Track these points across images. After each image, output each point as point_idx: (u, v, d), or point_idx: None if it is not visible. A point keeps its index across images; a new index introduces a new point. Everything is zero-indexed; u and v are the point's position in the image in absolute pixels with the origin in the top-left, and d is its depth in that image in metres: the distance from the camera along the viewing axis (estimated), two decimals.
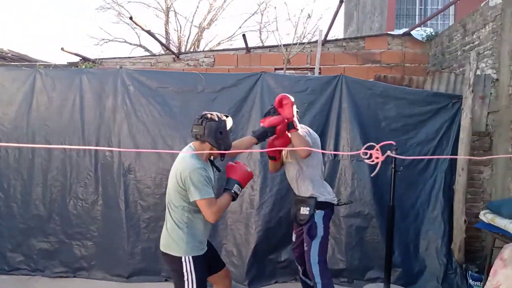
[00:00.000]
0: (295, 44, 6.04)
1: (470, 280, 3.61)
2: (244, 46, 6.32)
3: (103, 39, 13.96)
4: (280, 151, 2.81)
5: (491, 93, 4.08)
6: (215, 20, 14.58)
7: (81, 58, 6.40)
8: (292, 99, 2.65)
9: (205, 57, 6.52)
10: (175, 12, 14.25)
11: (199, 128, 2.28)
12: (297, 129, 2.65)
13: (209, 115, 2.31)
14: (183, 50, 13.18)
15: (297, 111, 2.79)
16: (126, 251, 3.75)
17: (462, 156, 3.67)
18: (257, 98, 3.94)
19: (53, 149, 3.88)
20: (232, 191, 2.37)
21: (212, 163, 2.44)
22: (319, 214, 2.76)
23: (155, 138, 3.88)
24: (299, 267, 3.02)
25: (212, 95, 3.96)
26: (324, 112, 3.93)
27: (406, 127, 3.96)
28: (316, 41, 6.36)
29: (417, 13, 9.37)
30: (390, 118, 3.94)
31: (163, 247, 2.32)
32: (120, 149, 3.83)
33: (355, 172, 3.81)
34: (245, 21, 22.27)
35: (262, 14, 13.92)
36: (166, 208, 2.35)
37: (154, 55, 6.84)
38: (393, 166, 3.35)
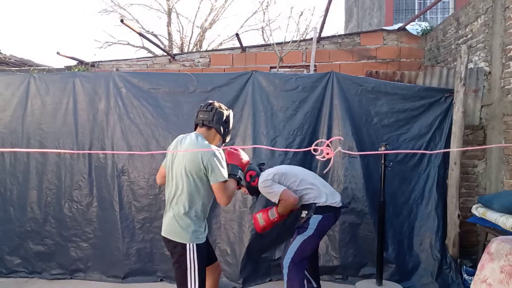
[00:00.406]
0: (288, 42, 6.03)
1: (465, 275, 3.60)
2: (239, 45, 6.33)
3: (106, 42, 14.06)
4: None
5: (484, 86, 4.05)
6: (217, 20, 14.60)
7: (78, 62, 6.46)
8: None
9: (200, 57, 6.54)
10: (177, 13, 14.30)
11: (208, 115, 2.36)
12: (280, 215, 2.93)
13: (216, 104, 2.41)
14: (185, 51, 13.21)
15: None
16: (121, 252, 3.78)
17: (450, 149, 3.65)
18: (248, 97, 3.96)
19: (48, 152, 3.93)
20: (237, 176, 2.41)
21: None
22: (315, 218, 2.83)
23: (148, 139, 3.91)
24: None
25: (203, 95, 3.98)
26: (315, 110, 3.93)
27: (398, 122, 3.94)
28: (311, 39, 6.35)
29: (416, 8, 9.32)
30: (382, 114, 3.94)
31: (168, 234, 2.32)
32: (114, 151, 3.87)
33: (348, 169, 3.81)
34: (247, 20, 22.26)
35: (264, 13, 13.92)
36: (173, 195, 2.33)
37: (150, 57, 6.86)
38: (382, 162, 3.34)
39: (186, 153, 2.30)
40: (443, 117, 3.92)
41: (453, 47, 4.94)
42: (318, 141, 1.36)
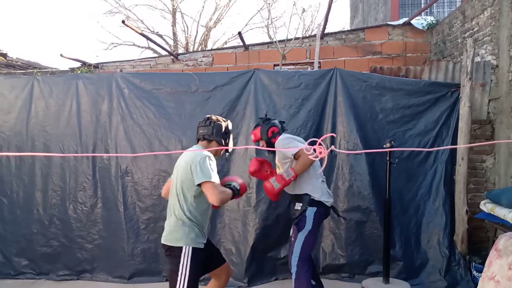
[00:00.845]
0: (291, 39, 5.98)
1: (474, 272, 3.53)
2: (242, 44, 6.30)
3: (112, 43, 14.11)
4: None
5: (491, 80, 3.97)
6: (222, 19, 14.57)
7: (81, 63, 6.49)
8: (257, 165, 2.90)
9: (203, 56, 6.53)
10: (182, 13, 14.29)
11: (207, 129, 2.49)
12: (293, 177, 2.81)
13: (214, 117, 2.55)
14: (191, 50, 13.21)
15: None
16: (127, 252, 3.78)
17: (457, 146, 3.58)
18: (251, 95, 3.93)
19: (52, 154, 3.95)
20: (232, 185, 2.51)
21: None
22: (311, 210, 2.81)
23: (151, 140, 3.91)
24: None
25: (205, 94, 3.96)
26: (319, 107, 3.89)
27: (403, 118, 3.88)
28: (314, 35, 6.29)
29: (422, 2, 9.20)
30: (387, 110, 3.88)
31: (167, 241, 2.38)
32: (118, 154, 3.87)
33: (353, 166, 3.76)
34: (251, 18, 22.22)
35: (269, 10, 13.85)
36: (173, 203, 2.41)
37: (154, 57, 6.87)
38: (388, 159, 3.29)
39: (182, 164, 2.39)
40: (450, 112, 3.85)
41: (459, 41, 4.85)
42: (310, 140, 1.32)
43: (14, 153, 4.00)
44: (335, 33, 6.46)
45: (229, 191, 2.44)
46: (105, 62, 6.68)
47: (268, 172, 2.90)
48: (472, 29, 4.44)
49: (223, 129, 2.51)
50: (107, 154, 3.92)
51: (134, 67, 6.54)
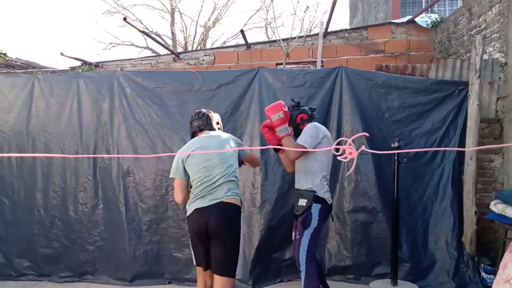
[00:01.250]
0: (294, 38, 5.91)
1: (483, 273, 3.47)
2: (244, 42, 6.23)
3: (111, 43, 14.03)
4: (279, 142, 2.79)
5: (499, 78, 3.91)
6: (220, 18, 14.50)
7: (82, 63, 6.41)
8: (279, 105, 2.71)
9: (205, 55, 6.46)
10: (180, 13, 14.22)
11: (201, 120, 2.76)
12: (286, 135, 2.71)
13: (204, 110, 2.83)
14: (190, 50, 13.13)
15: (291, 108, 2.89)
16: (128, 254, 3.71)
17: (465, 149, 3.52)
18: (255, 94, 3.86)
19: (53, 155, 3.88)
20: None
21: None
22: (316, 207, 2.76)
23: (154, 139, 3.84)
24: None
25: (209, 93, 3.90)
26: (324, 106, 3.82)
27: (410, 117, 3.82)
28: (317, 34, 6.22)
29: (423, 0, 9.14)
30: (393, 109, 3.81)
31: (234, 200, 2.55)
32: (119, 155, 3.80)
33: (359, 166, 3.69)
34: (250, 18, 22.14)
35: (267, 10, 13.79)
36: (228, 171, 2.56)
37: (155, 56, 6.80)
38: (396, 159, 3.23)
39: (219, 138, 2.70)
40: (457, 111, 3.79)
41: (465, 38, 4.79)
42: (339, 139, 1.25)
43: (13, 154, 3.93)
44: (338, 31, 6.40)
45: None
46: (106, 61, 6.61)
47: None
48: (479, 26, 4.38)
49: (216, 118, 2.77)
50: (108, 155, 3.84)
51: (134, 66, 6.47)
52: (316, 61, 6.13)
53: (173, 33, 14.26)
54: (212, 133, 2.70)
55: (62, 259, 3.86)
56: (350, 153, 1.12)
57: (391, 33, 6.21)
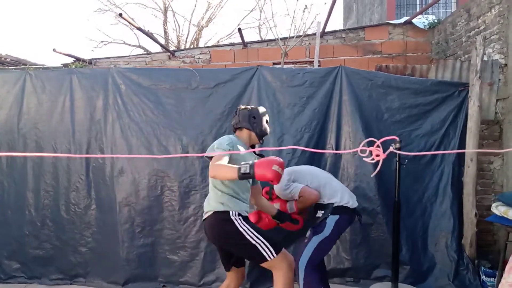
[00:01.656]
0: (292, 37, 5.85)
1: (483, 276, 3.44)
2: (240, 41, 6.15)
3: (102, 41, 13.83)
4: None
5: (499, 80, 3.89)
6: (214, 18, 14.40)
7: (74, 59, 6.27)
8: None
9: (201, 53, 6.36)
10: (173, 12, 14.09)
11: (235, 119, 2.63)
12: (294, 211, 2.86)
13: (242, 106, 2.70)
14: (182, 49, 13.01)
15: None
16: (121, 256, 3.60)
17: (467, 150, 3.49)
18: (254, 93, 3.78)
19: (44, 152, 3.76)
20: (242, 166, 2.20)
21: (256, 153, 2.62)
22: (332, 218, 2.72)
23: (149, 138, 3.73)
24: None
25: (207, 91, 3.81)
26: (324, 106, 3.76)
27: (410, 118, 3.78)
28: (314, 34, 6.18)
29: (417, 3, 9.16)
30: (393, 109, 3.77)
31: (210, 213, 2.49)
32: (113, 155, 3.69)
33: (358, 167, 3.64)
34: (244, 18, 22.07)
35: (260, 11, 13.72)
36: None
37: (149, 53, 6.68)
38: (397, 160, 3.18)
39: None
40: (457, 112, 3.76)
41: (463, 39, 4.78)
42: (367, 140, 1.18)
43: (3, 154, 3.79)
44: (335, 31, 6.36)
45: (230, 166, 2.22)
46: (99, 58, 6.47)
47: (267, 219, 2.85)
48: (478, 28, 4.36)
49: (248, 114, 2.60)
50: (102, 155, 3.72)
51: (128, 63, 6.34)
52: (313, 61, 6.08)
53: (165, 32, 14.12)
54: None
55: (53, 261, 3.74)
56: (377, 155, 1.05)
57: (388, 34, 6.19)
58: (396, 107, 3.77)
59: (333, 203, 2.71)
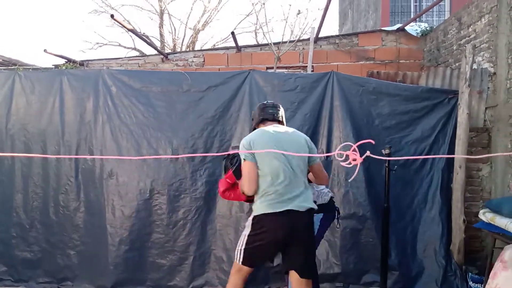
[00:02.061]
0: (285, 42, 5.88)
1: (470, 282, 3.46)
2: (234, 45, 6.16)
3: (97, 43, 13.80)
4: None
5: (488, 88, 3.94)
6: (210, 22, 14.44)
7: (66, 60, 6.23)
8: None
9: (194, 57, 6.36)
10: (169, 15, 14.11)
11: (277, 110, 2.77)
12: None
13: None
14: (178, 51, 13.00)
15: None
16: (109, 260, 3.56)
17: (456, 155, 3.52)
18: (245, 97, 3.79)
19: (33, 154, 3.72)
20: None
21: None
22: (317, 217, 2.76)
23: (139, 140, 3.71)
24: None
25: (198, 94, 3.80)
26: (315, 111, 3.78)
27: (400, 124, 3.81)
28: (308, 39, 6.21)
29: (412, 10, 9.26)
30: (383, 116, 3.80)
31: (309, 205, 2.48)
32: (103, 156, 3.66)
33: (348, 173, 3.65)
34: (240, 22, 22.15)
35: (257, 15, 13.77)
36: (293, 177, 2.45)
37: (142, 56, 6.66)
38: (387, 165, 3.20)
39: (289, 138, 2.57)
40: (447, 119, 3.80)
41: (454, 47, 4.83)
42: (343, 144, 1.19)
43: None
44: (328, 37, 6.40)
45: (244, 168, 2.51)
46: (91, 60, 6.44)
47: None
48: (469, 36, 4.41)
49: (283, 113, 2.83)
50: (91, 156, 3.70)
51: (121, 66, 6.32)
52: (306, 66, 6.11)
53: (161, 35, 14.14)
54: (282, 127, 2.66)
55: (41, 264, 3.69)
56: (354, 159, 1.06)
57: (381, 40, 6.25)
58: (386, 113, 3.80)
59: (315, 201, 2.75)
